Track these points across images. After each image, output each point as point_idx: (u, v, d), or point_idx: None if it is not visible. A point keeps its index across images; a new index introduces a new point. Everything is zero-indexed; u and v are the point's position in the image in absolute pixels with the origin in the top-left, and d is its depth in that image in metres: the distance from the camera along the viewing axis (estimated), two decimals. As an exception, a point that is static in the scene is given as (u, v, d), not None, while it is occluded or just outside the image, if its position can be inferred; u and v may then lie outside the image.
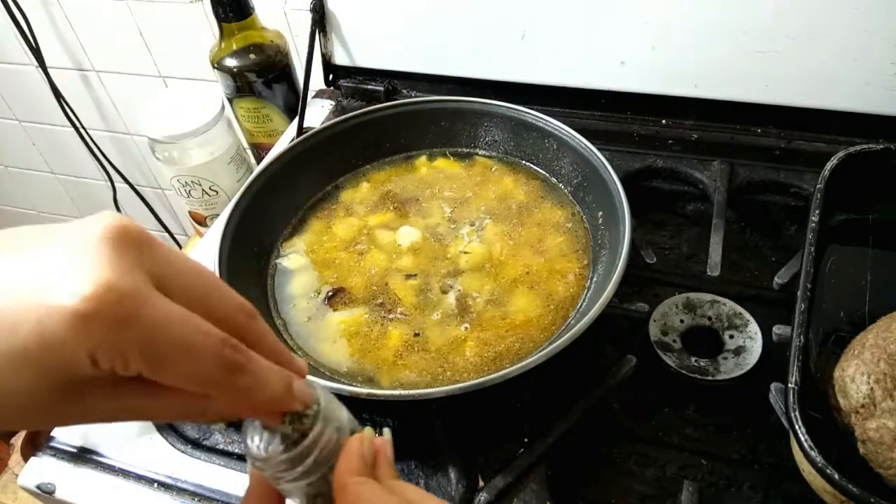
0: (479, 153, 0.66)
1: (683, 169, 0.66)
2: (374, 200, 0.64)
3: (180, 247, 1.21)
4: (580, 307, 0.52)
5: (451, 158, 0.67)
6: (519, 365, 0.43)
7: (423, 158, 0.67)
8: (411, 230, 0.60)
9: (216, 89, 0.82)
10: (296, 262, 0.59)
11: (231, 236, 0.55)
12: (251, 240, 0.58)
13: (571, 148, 0.60)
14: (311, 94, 0.81)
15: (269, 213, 0.60)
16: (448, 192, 0.63)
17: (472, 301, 0.54)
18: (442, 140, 0.67)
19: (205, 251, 0.67)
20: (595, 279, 0.54)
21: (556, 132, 0.61)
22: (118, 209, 1.29)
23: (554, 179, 0.63)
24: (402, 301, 0.54)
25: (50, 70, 1.08)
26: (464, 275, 0.56)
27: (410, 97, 0.79)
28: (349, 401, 0.51)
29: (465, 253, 0.57)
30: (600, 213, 0.57)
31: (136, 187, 1.27)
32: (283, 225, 0.62)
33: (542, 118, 0.62)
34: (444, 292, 0.55)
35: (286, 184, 0.62)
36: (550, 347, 0.44)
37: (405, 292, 0.55)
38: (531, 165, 0.64)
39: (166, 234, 1.37)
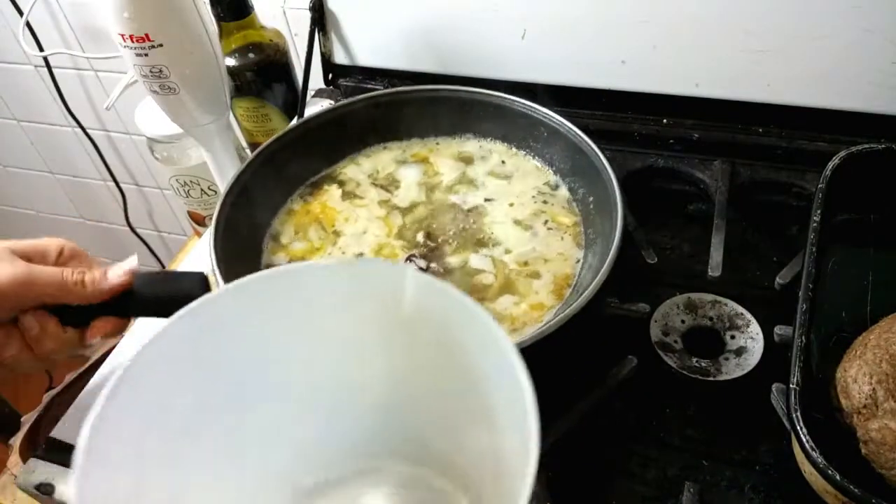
0: (470, 140, 0.66)
1: (684, 168, 0.66)
2: (367, 187, 0.64)
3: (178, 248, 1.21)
4: (575, 289, 0.52)
5: (444, 145, 0.66)
6: None
7: (415, 146, 0.67)
8: (403, 219, 0.60)
9: (215, 89, 0.81)
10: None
11: (222, 236, 0.54)
12: (244, 231, 0.58)
13: (561, 135, 0.60)
14: (310, 93, 0.81)
15: (258, 205, 0.61)
16: (441, 179, 0.63)
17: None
18: (434, 127, 0.67)
19: (204, 251, 0.66)
20: (587, 267, 0.54)
21: (546, 120, 0.61)
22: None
23: (547, 168, 0.63)
24: None
25: (49, 70, 1.08)
26: (455, 267, 0.56)
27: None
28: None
29: (456, 240, 0.57)
30: (591, 198, 0.57)
31: (135, 187, 1.27)
32: (273, 213, 0.62)
33: (532, 107, 0.62)
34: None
35: (276, 172, 0.62)
36: (532, 334, 0.43)
37: None
38: (523, 152, 0.64)
39: (163, 235, 1.37)
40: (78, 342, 0.46)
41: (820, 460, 0.39)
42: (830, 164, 0.54)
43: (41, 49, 1.04)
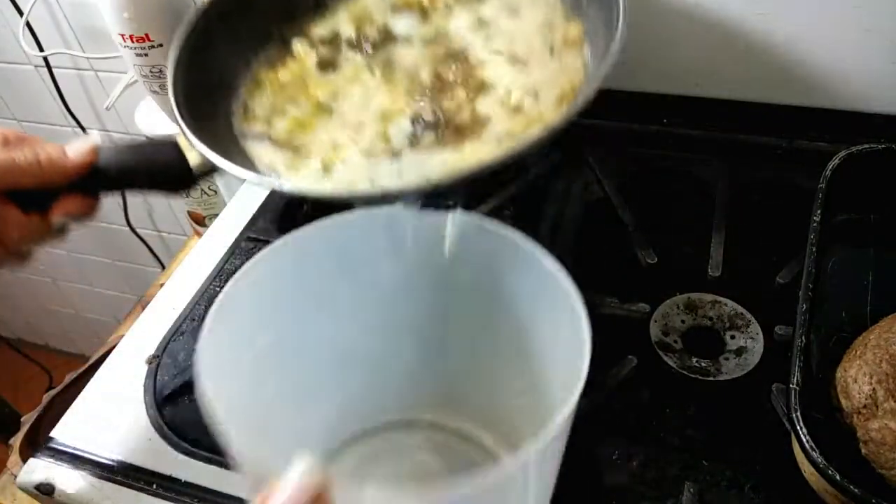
0: None
1: (684, 168, 0.66)
2: (347, 51, 0.55)
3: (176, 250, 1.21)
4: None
5: None
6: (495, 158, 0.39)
7: None
8: (406, 83, 0.52)
9: (215, 89, 0.81)
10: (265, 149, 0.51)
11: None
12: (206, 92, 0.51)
13: None
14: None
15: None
16: (444, 23, 0.55)
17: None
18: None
19: (203, 251, 0.66)
20: (594, 66, 0.49)
21: None
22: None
23: None
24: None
25: (49, 70, 1.08)
26: (465, 120, 0.50)
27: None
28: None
29: (463, 92, 0.50)
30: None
31: (136, 187, 1.27)
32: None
33: None
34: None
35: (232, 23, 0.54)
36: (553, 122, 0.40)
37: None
38: None
39: (163, 235, 1.37)
40: (46, 228, 0.43)
41: (820, 460, 0.39)
42: (830, 164, 0.54)
43: (41, 49, 1.04)
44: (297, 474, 0.25)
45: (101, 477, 0.50)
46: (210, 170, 0.46)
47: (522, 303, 0.38)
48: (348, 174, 0.47)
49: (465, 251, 0.38)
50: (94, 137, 0.43)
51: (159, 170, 0.47)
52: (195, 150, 0.45)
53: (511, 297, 0.38)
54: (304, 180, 0.46)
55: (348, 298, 0.41)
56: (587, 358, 0.30)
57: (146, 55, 0.59)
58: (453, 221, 0.37)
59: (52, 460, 0.52)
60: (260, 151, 0.50)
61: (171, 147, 0.46)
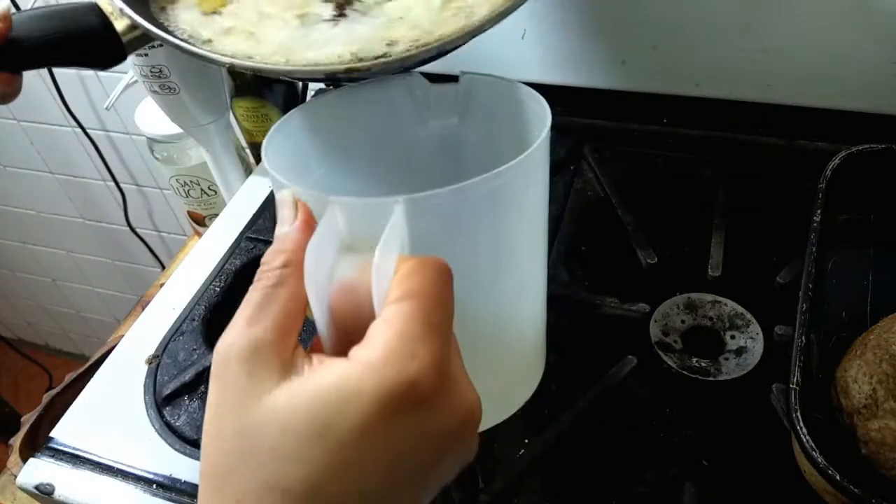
0: None
1: (684, 168, 0.66)
2: None
3: (176, 249, 1.21)
4: None
5: None
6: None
7: None
8: None
9: (215, 89, 0.81)
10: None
11: None
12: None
13: None
14: (310, 93, 0.81)
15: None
16: None
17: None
18: None
19: (203, 251, 0.66)
20: None
21: None
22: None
23: None
24: None
25: (49, 70, 1.08)
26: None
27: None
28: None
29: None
30: None
31: (135, 187, 1.27)
32: None
33: None
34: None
35: None
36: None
37: None
38: None
39: (163, 235, 1.37)
40: None
41: (820, 460, 0.39)
42: (830, 164, 0.54)
43: (41, 49, 1.04)
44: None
45: (100, 477, 0.50)
46: (139, 39, 0.43)
47: (513, 139, 0.43)
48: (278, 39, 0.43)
49: (472, 109, 0.44)
50: (4, 3, 0.40)
51: (83, 39, 0.43)
52: (123, 18, 0.41)
53: (508, 125, 0.44)
54: (234, 46, 0.42)
55: (371, 162, 0.44)
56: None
57: (146, 55, 0.59)
58: (463, 85, 0.41)
59: (52, 460, 0.52)
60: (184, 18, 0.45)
61: (93, 13, 0.42)
